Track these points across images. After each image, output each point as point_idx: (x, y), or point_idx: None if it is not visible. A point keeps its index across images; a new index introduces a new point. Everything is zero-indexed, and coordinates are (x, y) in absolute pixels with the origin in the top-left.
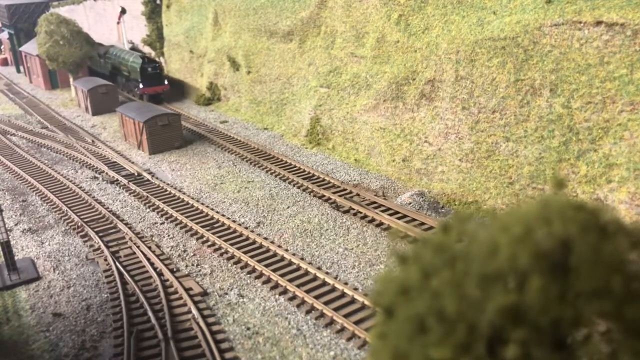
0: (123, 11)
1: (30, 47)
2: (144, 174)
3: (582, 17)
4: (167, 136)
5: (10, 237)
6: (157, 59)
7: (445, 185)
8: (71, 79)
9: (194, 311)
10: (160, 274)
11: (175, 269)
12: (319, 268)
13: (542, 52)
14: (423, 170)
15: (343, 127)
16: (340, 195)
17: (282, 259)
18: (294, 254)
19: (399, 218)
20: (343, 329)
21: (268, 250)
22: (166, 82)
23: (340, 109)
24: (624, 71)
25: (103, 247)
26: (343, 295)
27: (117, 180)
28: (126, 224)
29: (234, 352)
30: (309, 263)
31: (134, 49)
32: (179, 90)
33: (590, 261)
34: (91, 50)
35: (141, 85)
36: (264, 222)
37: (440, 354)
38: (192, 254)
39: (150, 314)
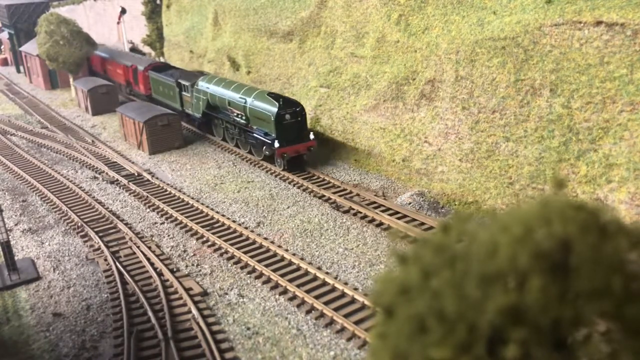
0: (123, 11)
1: (30, 47)
2: (144, 174)
3: (582, 17)
4: (167, 136)
5: (10, 237)
6: (296, 99)
7: (445, 185)
8: (71, 79)
9: (194, 311)
10: (160, 274)
11: (175, 269)
12: (319, 268)
13: (542, 52)
14: (423, 171)
15: (343, 127)
16: (340, 196)
17: (282, 259)
18: (294, 254)
19: (399, 218)
20: (343, 329)
21: (268, 250)
22: (312, 136)
23: (340, 109)
24: (624, 71)
25: (103, 247)
26: (343, 295)
27: (117, 180)
28: (126, 224)
29: (234, 352)
30: (309, 263)
31: (134, 49)
32: None
33: (590, 261)
34: (91, 50)
35: (277, 144)
36: (264, 222)
37: (440, 354)
38: (192, 254)
39: (150, 314)
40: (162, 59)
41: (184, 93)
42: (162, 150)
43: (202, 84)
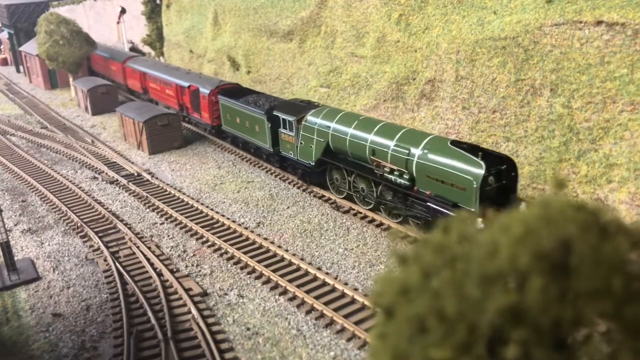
0: (123, 11)
1: (30, 47)
2: (144, 174)
3: (582, 16)
4: (167, 136)
5: (9, 237)
6: (502, 153)
7: None
8: (71, 79)
9: (194, 311)
10: (160, 274)
11: (175, 269)
12: (319, 268)
13: (542, 52)
14: None
15: None
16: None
17: (282, 259)
18: (294, 254)
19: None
20: (343, 329)
21: (268, 251)
22: (523, 206)
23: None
24: (625, 71)
25: (103, 247)
26: (343, 295)
27: (117, 180)
28: (126, 224)
29: (234, 353)
30: (309, 263)
31: (134, 49)
32: None
33: (590, 261)
34: (91, 50)
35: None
36: (264, 222)
37: (440, 355)
38: (191, 254)
39: (150, 314)
40: (162, 59)
41: (282, 130)
42: (161, 150)
43: (316, 120)
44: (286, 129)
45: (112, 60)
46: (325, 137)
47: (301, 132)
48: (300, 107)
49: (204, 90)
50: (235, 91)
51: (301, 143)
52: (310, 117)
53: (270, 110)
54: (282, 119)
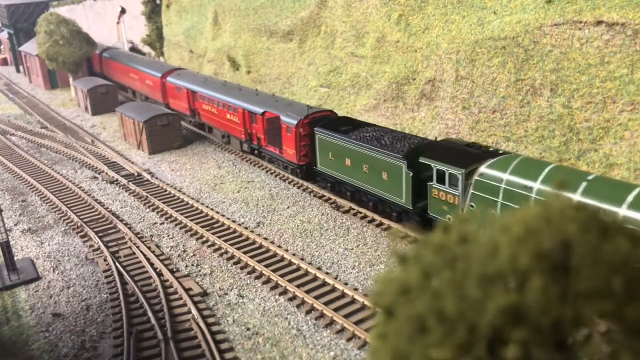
0: (123, 11)
1: (29, 47)
2: (144, 174)
3: (582, 16)
4: (167, 136)
5: (9, 237)
6: None
7: None
8: (71, 79)
9: (194, 311)
10: (160, 274)
11: (175, 269)
12: (319, 268)
13: (542, 52)
14: None
15: None
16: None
17: (282, 259)
18: (294, 254)
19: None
20: (343, 329)
21: (268, 251)
22: None
23: (341, 109)
24: (625, 71)
25: (103, 247)
26: (343, 295)
27: (117, 180)
28: (126, 224)
29: (234, 353)
30: (309, 263)
31: (133, 49)
32: None
33: (590, 261)
34: (91, 50)
35: None
36: (264, 222)
37: (440, 355)
38: (191, 254)
39: (150, 314)
40: (161, 59)
41: (436, 185)
42: (161, 150)
43: (502, 176)
44: (444, 184)
45: (146, 72)
46: (523, 203)
47: (471, 191)
48: (464, 153)
49: (289, 120)
50: (336, 122)
51: (471, 206)
52: (489, 171)
53: (412, 155)
54: (439, 170)
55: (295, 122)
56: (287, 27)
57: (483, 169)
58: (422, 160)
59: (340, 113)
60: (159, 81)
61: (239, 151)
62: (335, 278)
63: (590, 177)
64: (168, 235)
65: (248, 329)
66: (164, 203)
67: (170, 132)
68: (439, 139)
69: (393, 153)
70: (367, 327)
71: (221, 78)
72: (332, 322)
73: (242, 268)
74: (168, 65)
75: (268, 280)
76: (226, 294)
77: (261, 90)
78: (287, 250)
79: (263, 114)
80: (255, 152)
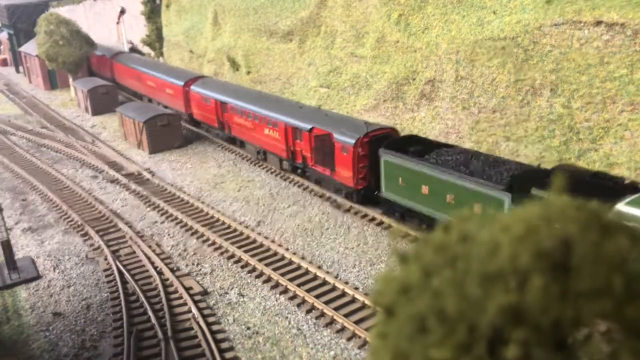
0: (122, 11)
1: (29, 47)
2: (144, 173)
3: (582, 17)
4: (167, 136)
5: (10, 236)
6: None
7: None
8: (71, 79)
9: (194, 310)
10: (160, 273)
11: (175, 268)
12: (320, 267)
13: (542, 52)
14: None
15: None
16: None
17: (283, 258)
18: (294, 253)
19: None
20: (343, 328)
21: (268, 250)
22: None
23: (341, 109)
24: (624, 71)
25: (103, 246)
26: (343, 294)
27: (117, 179)
28: (126, 223)
29: (234, 352)
30: (310, 262)
31: (133, 49)
32: None
33: (591, 261)
34: (90, 50)
35: None
36: (265, 221)
37: (440, 354)
38: (192, 253)
39: (150, 313)
40: (162, 59)
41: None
42: (162, 150)
43: None
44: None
45: (165, 80)
46: None
47: None
48: (591, 186)
49: (345, 139)
50: (404, 141)
51: None
52: (631, 210)
53: (517, 185)
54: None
55: (353, 141)
56: (287, 27)
57: (622, 206)
58: (535, 192)
59: (340, 113)
60: (181, 90)
61: (278, 169)
62: (336, 277)
63: None
64: (168, 234)
65: (248, 328)
66: (164, 202)
67: (170, 132)
68: (543, 165)
69: (491, 183)
70: (367, 327)
71: (250, 88)
72: (332, 322)
73: (242, 267)
74: (190, 72)
75: (268, 279)
76: (226, 293)
77: (305, 104)
78: (287, 249)
79: (311, 130)
80: (298, 171)
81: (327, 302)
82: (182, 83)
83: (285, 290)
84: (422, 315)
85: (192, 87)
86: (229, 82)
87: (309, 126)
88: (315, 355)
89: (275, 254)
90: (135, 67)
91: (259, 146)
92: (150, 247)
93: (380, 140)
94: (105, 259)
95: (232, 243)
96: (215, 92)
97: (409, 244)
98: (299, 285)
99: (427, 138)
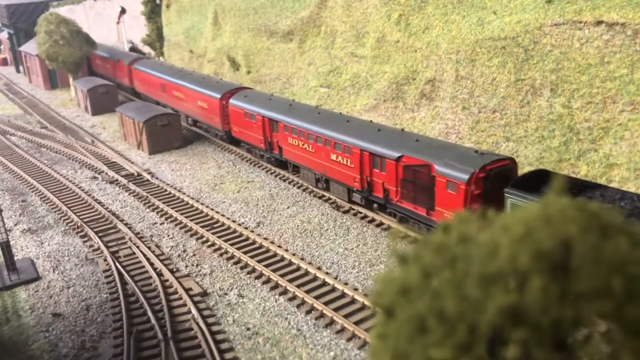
0: (123, 11)
1: (29, 47)
2: (144, 174)
3: (582, 16)
4: (167, 136)
5: (9, 237)
6: None
7: None
8: (71, 79)
9: (194, 311)
10: (160, 274)
11: (175, 269)
12: (319, 268)
13: (542, 52)
14: None
15: None
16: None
17: (282, 259)
18: (294, 254)
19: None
20: (343, 329)
21: (268, 251)
22: None
23: (341, 109)
24: (625, 71)
25: (103, 247)
26: (343, 295)
27: (117, 180)
28: (126, 224)
29: (234, 353)
30: (309, 263)
31: (133, 49)
32: None
33: (590, 261)
34: (90, 49)
35: None
36: (264, 222)
37: (440, 355)
38: (192, 254)
39: (150, 314)
40: (162, 59)
41: None
42: (161, 150)
43: None
44: None
45: (197, 91)
46: None
47: None
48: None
49: (454, 174)
50: (532, 178)
51: None
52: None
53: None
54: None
55: (466, 176)
56: (287, 27)
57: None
58: None
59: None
60: (218, 103)
61: (345, 202)
62: (335, 278)
63: None
64: (168, 235)
65: (248, 329)
66: (164, 203)
67: (170, 132)
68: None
69: None
70: (367, 327)
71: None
72: (332, 322)
73: (242, 268)
74: (228, 82)
75: (268, 280)
76: (226, 293)
77: (384, 124)
78: (287, 250)
79: (399, 158)
80: (375, 206)
81: (326, 303)
82: (218, 95)
83: (285, 291)
84: (422, 316)
85: (232, 100)
86: (278, 95)
87: (396, 154)
88: (315, 356)
89: (275, 254)
90: (158, 74)
91: (320, 173)
92: (149, 248)
93: (499, 175)
94: (105, 260)
95: (232, 244)
96: (263, 108)
97: (409, 245)
98: (298, 286)
99: (558, 173)
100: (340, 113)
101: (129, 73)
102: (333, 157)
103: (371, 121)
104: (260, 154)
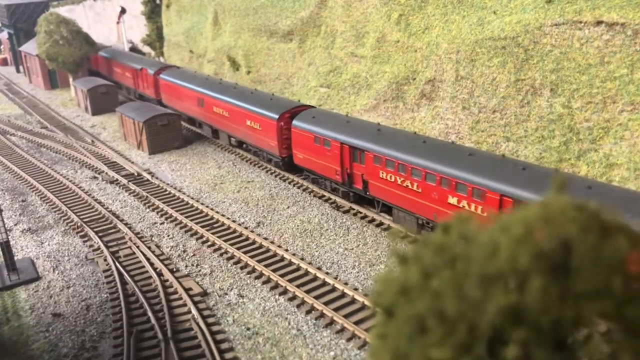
0: (123, 11)
1: (29, 47)
2: (144, 173)
3: (582, 16)
4: (167, 136)
5: (9, 237)
6: None
7: None
8: (71, 79)
9: (194, 311)
10: (160, 274)
11: (175, 269)
12: (319, 268)
13: (542, 52)
14: None
15: None
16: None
17: (282, 259)
18: (294, 254)
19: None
20: (343, 329)
21: (268, 251)
22: None
23: (341, 109)
24: (625, 71)
25: (103, 247)
26: (343, 295)
27: (117, 180)
28: (126, 224)
29: (234, 353)
30: (309, 263)
31: (133, 49)
32: None
33: (590, 261)
34: (90, 49)
35: None
36: (264, 222)
37: (440, 355)
38: (192, 254)
39: (150, 314)
40: (162, 59)
41: None
42: (161, 150)
43: None
44: None
45: (246, 109)
46: None
47: None
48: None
49: None
50: None
51: None
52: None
53: None
54: None
55: None
56: (287, 27)
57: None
58: None
59: (341, 113)
60: (275, 125)
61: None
62: (335, 278)
63: None
64: (168, 235)
65: (248, 329)
66: (164, 203)
67: (170, 132)
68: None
69: None
70: (367, 327)
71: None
72: (332, 322)
73: (242, 268)
74: (283, 99)
75: (268, 280)
76: (226, 293)
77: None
78: (287, 250)
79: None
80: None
81: (326, 303)
82: (275, 115)
83: (285, 291)
84: (422, 316)
85: (296, 122)
86: (356, 117)
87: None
88: (315, 356)
89: (275, 254)
90: (194, 87)
91: (429, 219)
92: (149, 248)
93: None
94: (105, 260)
95: (232, 244)
96: (341, 133)
97: (409, 245)
98: (298, 286)
99: None
100: (453, 142)
101: (154, 83)
102: (452, 200)
103: (504, 155)
104: (333, 186)
